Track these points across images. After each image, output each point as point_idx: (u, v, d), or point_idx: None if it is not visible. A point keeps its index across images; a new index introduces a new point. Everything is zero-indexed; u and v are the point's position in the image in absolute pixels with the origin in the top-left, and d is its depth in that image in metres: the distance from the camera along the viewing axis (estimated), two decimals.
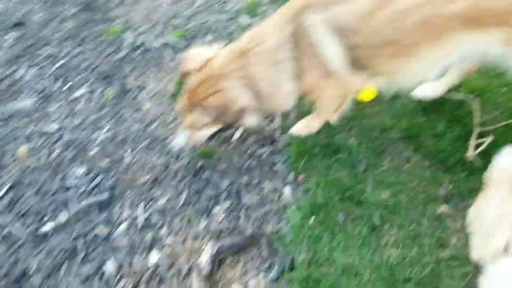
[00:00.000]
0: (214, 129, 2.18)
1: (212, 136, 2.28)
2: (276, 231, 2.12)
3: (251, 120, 2.11)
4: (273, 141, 2.50)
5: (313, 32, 1.91)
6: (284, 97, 2.10)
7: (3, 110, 2.79)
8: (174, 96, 2.78)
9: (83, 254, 2.13)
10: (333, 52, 1.94)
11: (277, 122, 2.57)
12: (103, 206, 2.29)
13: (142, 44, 3.17)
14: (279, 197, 2.25)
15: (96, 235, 2.17)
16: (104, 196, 2.32)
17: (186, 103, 2.07)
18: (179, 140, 2.23)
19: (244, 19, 3.31)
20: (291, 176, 2.31)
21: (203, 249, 2.08)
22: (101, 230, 2.21)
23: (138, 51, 3.13)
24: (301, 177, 2.28)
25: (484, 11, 1.73)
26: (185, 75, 2.12)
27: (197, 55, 2.11)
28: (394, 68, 2.00)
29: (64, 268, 2.08)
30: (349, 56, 1.96)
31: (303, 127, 2.40)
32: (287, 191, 2.26)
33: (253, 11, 3.35)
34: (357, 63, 1.99)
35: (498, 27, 1.75)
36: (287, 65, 1.99)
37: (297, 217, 2.09)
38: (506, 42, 1.79)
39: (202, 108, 2.02)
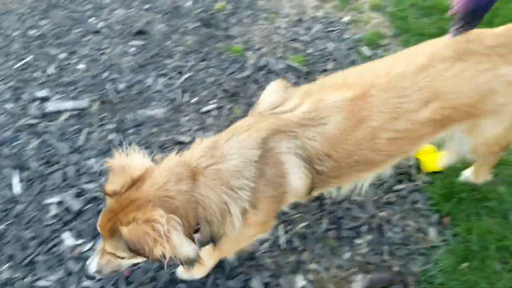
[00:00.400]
0: (135, 260, 1.72)
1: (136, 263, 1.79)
2: (423, 272, 2.20)
3: (185, 251, 1.56)
4: (410, 179, 2.60)
5: (284, 161, 1.75)
6: (227, 228, 1.77)
7: (134, 116, 2.98)
8: None
9: (228, 268, 2.25)
10: (300, 182, 1.81)
11: (412, 159, 2.67)
12: None
13: (266, 65, 3.34)
14: (424, 237, 2.33)
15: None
16: None
17: (105, 224, 1.60)
18: (94, 263, 1.73)
19: (365, 50, 3.46)
20: (435, 217, 2.40)
21: (353, 280, 2.18)
22: None
23: (262, 72, 3.31)
24: (446, 219, 2.37)
25: (452, 110, 1.77)
26: (110, 191, 1.61)
27: (124, 166, 1.63)
28: (352, 180, 2.01)
29: (210, 281, 2.20)
30: (313, 182, 1.86)
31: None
32: (432, 232, 2.35)
33: (374, 43, 3.51)
34: (317, 185, 1.90)
35: (463, 120, 1.85)
36: (242, 194, 1.72)
37: (449, 261, 2.17)
38: (469, 130, 1.92)
39: (118, 236, 1.55)
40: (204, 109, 3.05)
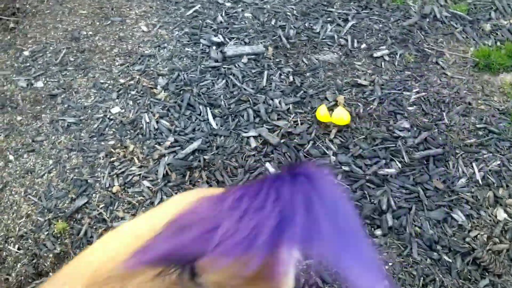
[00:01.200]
0: None
1: None
2: None
3: None
4: None
5: None
6: None
7: (308, 61, 3.15)
8: (476, 66, 2.98)
9: (426, 201, 2.41)
10: None
11: None
12: (437, 160, 2.56)
13: (430, 12, 3.38)
14: None
15: (435, 187, 2.44)
16: (438, 151, 2.58)
17: None
18: None
19: None
20: None
21: None
22: (437, 182, 2.47)
23: (428, 19, 3.36)
24: None
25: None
26: None
27: None
28: None
29: (412, 211, 2.37)
30: None
31: None
32: None
33: None
34: None
35: None
36: None
37: None
38: None
39: None
40: (376, 54, 3.16)
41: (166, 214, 1.09)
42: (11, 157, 2.81)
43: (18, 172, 2.75)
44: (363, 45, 3.24)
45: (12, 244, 2.45)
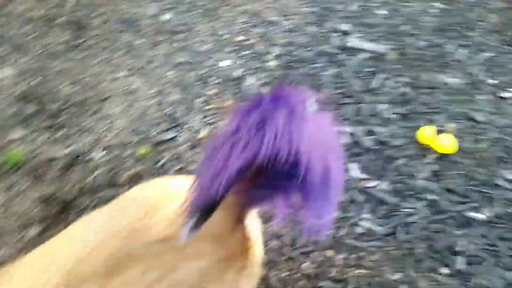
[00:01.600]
0: None
1: None
2: None
3: None
4: None
5: None
6: None
7: (428, 77, 3.00)
8: None
9: (505, 258, 2.22)
10: None
11: None
12: None
13: None
14: None
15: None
16: None
17: None
18: None
19: None
20: None
21: None
22: None
23: None
24: None
25: None
26: None
27: None
28: None
29: (485, 263, 2.20)
30: None
31: None
32: None
33: None
34: None
35: None
36: None
37: None
38: None
39: None
40: (503, 94, 2.95)
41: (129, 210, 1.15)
42: (121, 74, 2.99)
43: (122, 89, 2.91)
44: (492, 81, 3.03)
45: (96, 152, 2.62)
